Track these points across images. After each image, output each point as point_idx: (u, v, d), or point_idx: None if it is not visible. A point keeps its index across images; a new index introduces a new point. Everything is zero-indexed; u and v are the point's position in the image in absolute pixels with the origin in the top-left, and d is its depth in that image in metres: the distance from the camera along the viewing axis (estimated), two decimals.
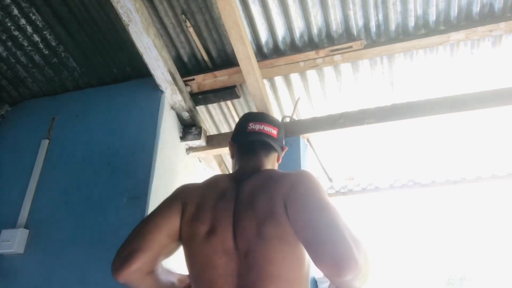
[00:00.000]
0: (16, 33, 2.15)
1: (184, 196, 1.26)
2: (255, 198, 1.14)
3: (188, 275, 1.23)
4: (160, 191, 1.89)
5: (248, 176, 1.24)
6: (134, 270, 1.11)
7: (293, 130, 2.12)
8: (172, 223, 1.20)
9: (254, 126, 1.36)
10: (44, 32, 2.16)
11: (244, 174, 1.27)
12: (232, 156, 1.43)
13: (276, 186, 1.14)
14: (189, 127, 2.24)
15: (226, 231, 1.12)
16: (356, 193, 3.06)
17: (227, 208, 1.16)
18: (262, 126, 1.36)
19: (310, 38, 2.15)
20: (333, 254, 0.87)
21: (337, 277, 0.86)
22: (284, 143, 1.45)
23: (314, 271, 2.04)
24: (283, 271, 1.04)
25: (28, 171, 2.10)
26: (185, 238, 1.18)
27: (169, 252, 1.23)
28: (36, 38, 2.19)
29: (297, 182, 1.12)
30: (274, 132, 1.37)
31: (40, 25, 2.13)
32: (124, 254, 1.13)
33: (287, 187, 1.12)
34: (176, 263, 1.40)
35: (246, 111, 2.51)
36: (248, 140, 1.37)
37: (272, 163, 1.37)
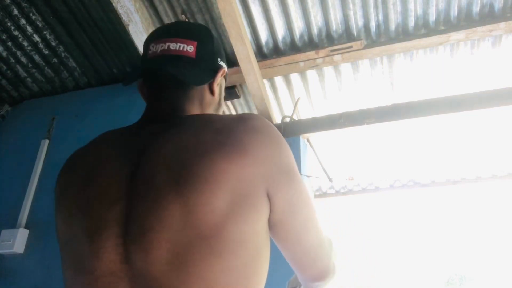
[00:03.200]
0: (16, 33, 2.15)
1: (58, 190, 0.76)
2: (185, 171, 0.62)
3: None
4: None
5: (158, 132, 0.71)
6: None
7: (293, 130, 2.12)
8: None
9: (155, 47, 0.80)
10: (44, 32, 2.16)
11: (149, 128, 0.75)
12: (143, 98, 0.88)
13: (244, 155, 0.64)
14: None
15: (103, 235, 0.63)
16: (356, 193, 3.06)
17: (106, 191, 0.66)
18: (167, 44, 0.79)
19: (310, 38, 2.15)
20: (319, 269, 0.81)
21: (313, 283, 0.84)
22: (219, 62, 0.86)
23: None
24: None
25: (28, 171, 2.10)
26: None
27: None
28: (36, 38, 2.19)
29: (282, 159, 0.70)
30: (189, 48, 0.80)
31: (40, 25, 2.13)
32: None
33: (268, 163, 0.66)
34: None
35: (246, 111, 2.50)
36: (149, 72, 0.83)
37: (198, 102, 0.81)
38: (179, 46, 0.80)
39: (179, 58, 0.79)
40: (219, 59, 0.87)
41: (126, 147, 0.71)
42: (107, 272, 0.61)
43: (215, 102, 0.85)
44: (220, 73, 0.85)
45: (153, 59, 0.80)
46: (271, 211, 0.67)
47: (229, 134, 0.66)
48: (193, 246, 0.60)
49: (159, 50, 0.79)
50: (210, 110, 0.84)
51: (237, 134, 0.66)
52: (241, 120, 0.70)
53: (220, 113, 0.89)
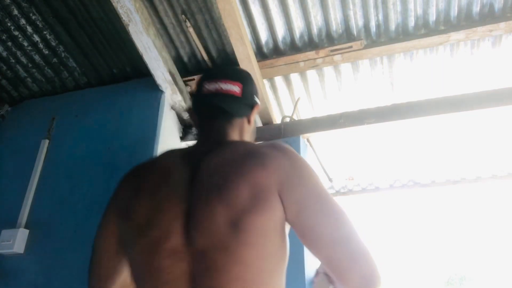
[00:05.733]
0: (16, 33, 2.15)
1: (119, 191, 1.03)
2: (225, 180, 0.88)
3: None
4: None
5: (209, 151, 0.96)
6: None
7: (293, 130, 2.12)
8: (115, 237, 0.98)
9: (209, 87, 1.06)
10: (44, 32, 2.16)
11: (202, 148, 1.01)
12: (195, 126, 1.15)
13: (262, 167, 0.88)
14: (189, 127, 2.24)
15: (173, 223, 0.86)
16: (356, 193, 3.06)
17: (174, 194, 0.90)
18: (219, 84, 1.05)
19: (310, 38, 2.15)
20: (362, 274, 0.79)
21: None
22: (255, 100, 1.12)
23: (310, 272, 2.04)
24: (252, 271, 0.82)
25: (28, 171, 2.10)
26: (125, 244, 0.95)
27: None
28: (36, 38, 2.19)
29: (294, 170, 0.90)
30: (236, 89, 1.05)
31: (40, 25, 2.13)
32: None
33: (281, 172, 0.88)
34: None
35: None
36: (204, 105, 1.09)
37: (239, 130, 1.07)
38: (229, 87, 1.05)
39: (228, 96, 1.05)
40: (255, 97, 1.12)
41: (186, 162, 0.96)
42: (174, 251, 0.84)
43: (250, 130, 1.12)
44: (256, 108, 1.11)
45: (207, 96, 1.06)
46: (285, 209, 0.86)
47: (255, 155, 0.91)
48: (232, 236, 0.82)
49: (213, 89, 1.05)
50: (247, 136, 1.10)
51: (261, 154, 0.91)
52: (267, 145, 0.97)
53: (253, 138, 1.17)
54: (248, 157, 0.91)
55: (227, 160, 0.92)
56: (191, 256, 0.83)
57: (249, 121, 1.10)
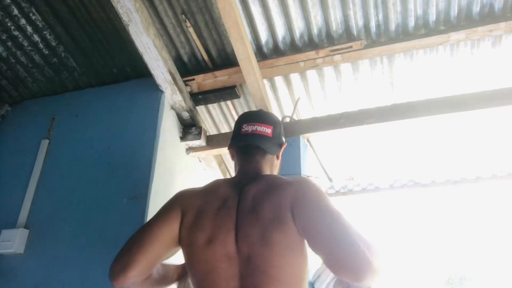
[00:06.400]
0: (16, 33, 2.15)
1: (183, 203, 1.27)
2: (259, 204, 1.16)
3: (181, 265, 1.34)
4: (160, 191, 1.89)
5: (249, 182, 1.25)
6: (130, 278, 1.15)
7: (293, 130, 2.12)
8: (170, 232, 1.22)
9: (247, 128, 1.34)
10: (44, 32, 2.17)
11: (244, 179, 1.28)
12: (233, 159, 1.43)
13: (281, 194, 1.15)
14: (189, 127, 2.24)
15: (228, 236, 1.14)
16: (356, 193, 3.06)
17: (229, 214, 1.18)
18: (255, 126, 1.33)
19: (310, 38, 2.15)
20: (348, 262, 0.94)
21: (357, 281, 0.94)
22: (283, 140, 1.40)
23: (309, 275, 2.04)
24: (284, 275, 1.07)
25: (28, 171, 2.10)
26: (185, 244, 1.20)
27: (168, 257, 1.26)
28: (36, 38, 2.19)
29: (302, 191, 1.15)
30: (268, 131, 1.34)
31: (40, 25, 2.13)
32: (121, 263, 1.16)
33: (293, 195, 1.14)
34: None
35: (246, 110, 2.50)
36: (242, 144, 1.36)
37: (270, 164, 1.36)
38: (263, 129, 1.33)
39: (262, 136, 1.33)
40: (283, 137, 1.41)
41: (233, 190, 1.25)
42: (229, 257, 1.12)
43: (278, 164, 1.42)
44: (284, 146, 1.40)
45: (245, 136, 1.33)
46: (296, 222, 1.09)
47: (280, 185, 1.19)
48: (264, 247, 1.09)
49: (250, 130, 1.33)
50: (275, 170, 1.41)
51: (283, 184, 1.19)
52: (290, 178, 1.25)
53: (279, 168, 1.45)
54: (274, 187, 1.19)
55: (261, 190, 1.20)
56: (240, 261, 1.10)
57: (277, 157, 1.39)
